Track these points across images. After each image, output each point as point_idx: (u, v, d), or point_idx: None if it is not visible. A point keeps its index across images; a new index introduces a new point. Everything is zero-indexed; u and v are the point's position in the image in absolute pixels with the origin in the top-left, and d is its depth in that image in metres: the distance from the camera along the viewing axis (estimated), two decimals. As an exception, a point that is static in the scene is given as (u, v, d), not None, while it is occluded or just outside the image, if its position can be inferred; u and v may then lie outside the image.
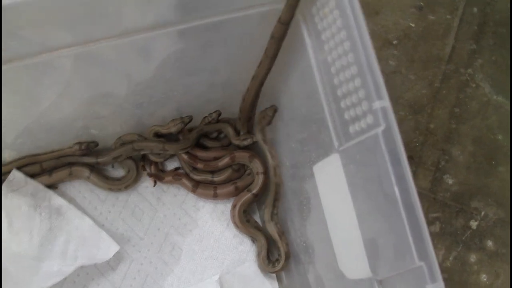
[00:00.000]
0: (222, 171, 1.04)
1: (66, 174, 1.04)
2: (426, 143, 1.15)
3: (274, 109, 0.95)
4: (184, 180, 1.04)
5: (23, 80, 0.81)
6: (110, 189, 1.04)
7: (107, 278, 1.02)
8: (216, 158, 1.04)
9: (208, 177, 1.04)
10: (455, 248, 1.10)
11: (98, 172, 1.05)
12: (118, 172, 1.07)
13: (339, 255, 0.82)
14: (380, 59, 1.18)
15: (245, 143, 1.02)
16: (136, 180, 1.06)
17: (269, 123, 0.96)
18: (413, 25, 1.21)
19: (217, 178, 1.04)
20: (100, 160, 1.03)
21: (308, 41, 0.80)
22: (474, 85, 1.19)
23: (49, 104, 0.90)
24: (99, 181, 1.04)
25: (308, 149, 0.88)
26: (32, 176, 1.02)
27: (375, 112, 0.67)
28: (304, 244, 0.96)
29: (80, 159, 1.04)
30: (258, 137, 0.98)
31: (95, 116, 0.99)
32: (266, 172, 1.00)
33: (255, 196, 1.02)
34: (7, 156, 1.02)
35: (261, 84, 0.88)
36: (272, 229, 1.00)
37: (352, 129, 0.72)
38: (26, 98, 0.87)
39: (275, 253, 1.03)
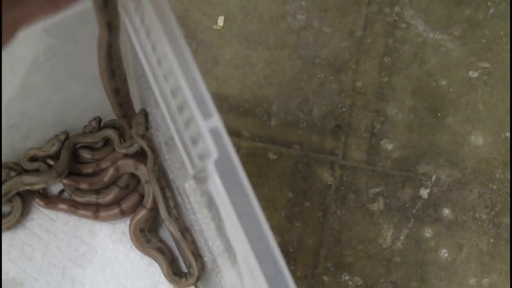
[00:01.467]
0: (107, 191, 0.89)
1: None
2: (355, 106, 0.97)
3: (144, 114, 0.81)
4: (82, 211, 0.90)
5: None
6: (8, 229, 0.90)
7: (5, 330, 0.89)
8: (99, 171, 0.89)
9: (92, 198, 0.89)
10: (405, 224, 0.93)
11: None
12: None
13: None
14: (285, 16, 1.00)
15: (133, 149, 0.86)
16: (24, 212, 0.91)
17: (146, 128, 0.82)
18: (319, -35, 1.01)
19: (102, 200, 0.89)
20: None
21: (135, 39, 0.63)
22: (404, 25, 0.99)
23: None
24: None
25: (176, 167, 0.72)
26: None
27: (203, 136, 0.51)
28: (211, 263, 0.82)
29: None
30: (141, 142, 0.83)
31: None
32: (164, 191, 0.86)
33: (151, 210, 0.86)
34: None
35: (108, 59, 0.70)
36: (172, 227, 0.85)
37: (195, 153, 0.56)
38: None
39: (184, 264, 0.90)
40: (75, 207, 0.90)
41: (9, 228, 0.91)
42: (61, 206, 0.91)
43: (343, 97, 0.97)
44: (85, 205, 0.90)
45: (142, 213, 0.87)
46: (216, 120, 0.51)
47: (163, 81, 0.58)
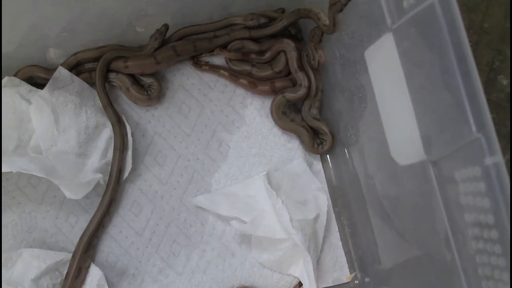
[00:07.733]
0: (262, 68, 1.01)
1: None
2: (480, 42, 1.11)
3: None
4: (242, 80, 1.02)
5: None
6: (149, 99, 1.01)
7: (154, 173, 1.00)
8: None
9: (248, 67, 1.01)
10: (507, 151, 1.06)
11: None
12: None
13: (391, 142, 0.80)
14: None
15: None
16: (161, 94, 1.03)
17: (341, 10, 0.86)
18: None
19: (256, 73, 1.01)
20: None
21: None
22: (531, -18, 1.14)
23: (92, -1, 0.88)
24: (138, 93, 1.01)
25: (359, 34, 0.84)
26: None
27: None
28: (354, 137, 0.94)
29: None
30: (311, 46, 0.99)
31: (141, 13, 0.96)
32: (309, 87, 1.00)
33: (288, 101, 1.00)
34: (52, 54, 1.00)
35: None
36: (309, 118, 1.01)
37: (406, 3, 0.68)
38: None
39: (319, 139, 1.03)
40: (235, 76, 1.02)
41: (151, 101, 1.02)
42: (223, 72, 1.03)
43: (471, 33, 1.10)
44: (244, 76, 1.02)
45: (281, 100, 1.00)
46: None
47: None
